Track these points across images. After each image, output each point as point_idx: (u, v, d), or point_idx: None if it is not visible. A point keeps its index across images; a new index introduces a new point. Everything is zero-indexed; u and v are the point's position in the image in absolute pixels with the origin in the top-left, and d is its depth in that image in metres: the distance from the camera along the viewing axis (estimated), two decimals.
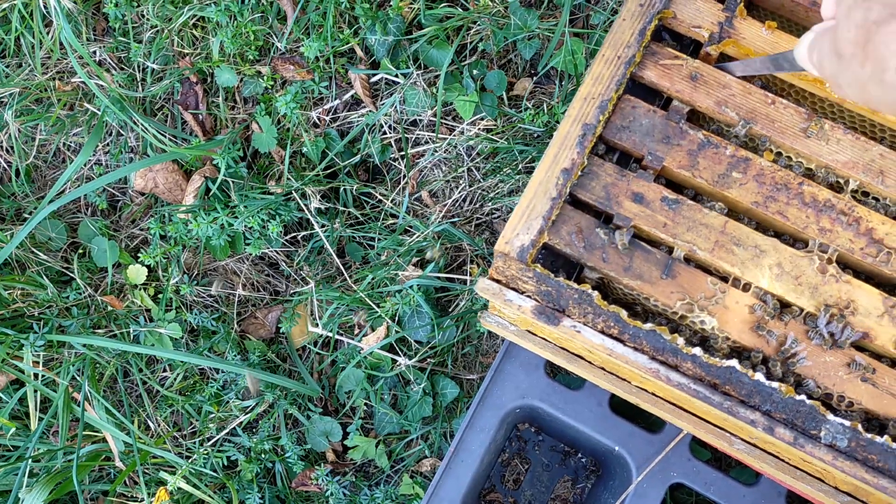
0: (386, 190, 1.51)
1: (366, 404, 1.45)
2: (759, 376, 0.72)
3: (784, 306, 0.77)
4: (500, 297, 0.76)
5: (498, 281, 0.77)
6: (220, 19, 1.45)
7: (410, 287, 1.40)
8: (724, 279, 0.78)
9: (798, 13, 0.82)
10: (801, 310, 0.76)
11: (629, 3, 0.80)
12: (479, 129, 1.47)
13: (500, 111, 1.45)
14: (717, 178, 0.78)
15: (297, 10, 1.44)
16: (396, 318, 1.42)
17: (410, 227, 1.46)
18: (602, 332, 0.75)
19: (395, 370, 1.41)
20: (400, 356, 1.41)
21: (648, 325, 0.74)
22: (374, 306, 1.42)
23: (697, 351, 0.74)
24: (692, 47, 0.84)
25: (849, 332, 0.73)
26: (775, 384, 0.72)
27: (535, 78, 1.48)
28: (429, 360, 1.43)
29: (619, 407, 1.24)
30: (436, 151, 1.49)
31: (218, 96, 1.51)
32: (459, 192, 1.50)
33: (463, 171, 1.49)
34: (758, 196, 0.77)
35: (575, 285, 0.76)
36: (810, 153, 0.78)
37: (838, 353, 0.74)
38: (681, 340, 0.74)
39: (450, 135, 1.49)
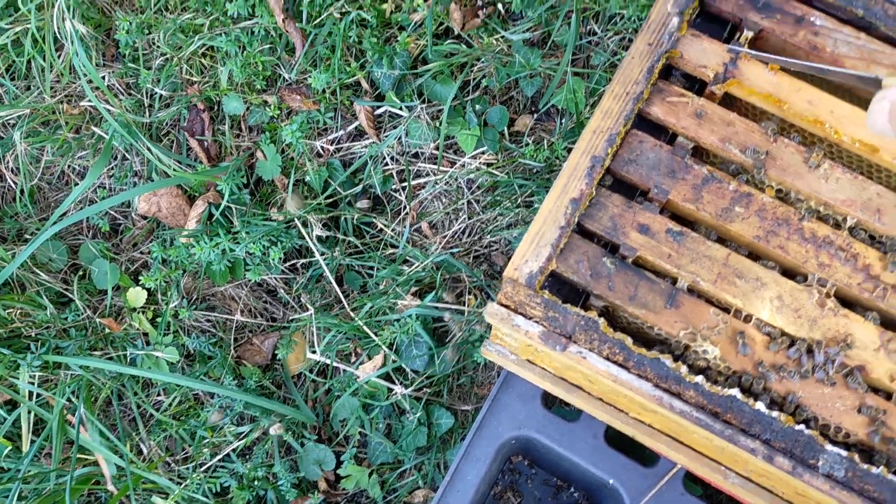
0: (386, 220, 1.53)
1: (360, 433, 1.45)
2: (760, 405, 0.74)
3: (784, 338, 0.79)
4: (507, 322, 0.77)
5: (506, 306, 0.78)
6: (230, 49, 1.48)
7: (409, 316, 1.41)
8: (727, 310, 0.80)
9: (799, 56, 0.86)
10: (802, 341, 0.78)
11: (638, 42, 0.83)
12: (479, 162, 1.50)
13: (500, 146, 1.48)
14: (720, 211, 0.80)
15: (306, 43, 1.47)
16: (393, 347, 1.43)
17: (410, 257, 1.48)
18: (607, 358, 0.76)
19: (391, 399, 1.42)
20: (396, 385, 1.42)
21: (653, 353, 0.76)
22: (371, 335, 1.43)
23: (700, 379, 0.75)
24: (698, 86, 0.87)
25: (840, 364, 0.75)
26: (775, 413, 0.74)
27: (536, 115, 1.51)
28: (424, 389, 1.44)
29: (614, 440, 1.25)
30: (437, 183, 1.51)
31: (224, 124, 1.53)
32: (459, 224, 1.53)
33: (463, 204, 1.52)
34: (759, 230, 0.80)
35: (582, 312, 0.78)
36: (810, 190, 0.81)
37: (836, 385, 0.76)
38: (684, 368, 0.75)
39: (451, 167, 1.51)
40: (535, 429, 1.24)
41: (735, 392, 0.75)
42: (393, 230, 1.52)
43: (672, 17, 0.83)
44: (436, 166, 1.51)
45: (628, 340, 0.76)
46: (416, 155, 1.53)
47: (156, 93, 1.52)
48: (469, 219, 1.53)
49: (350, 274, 1.52)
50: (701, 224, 0.83)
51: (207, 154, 1.52)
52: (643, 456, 1.30)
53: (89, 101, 1.51)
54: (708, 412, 0.75)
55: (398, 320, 1.43)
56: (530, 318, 0.78)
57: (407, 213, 1.52)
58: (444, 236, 1.52)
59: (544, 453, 1.32)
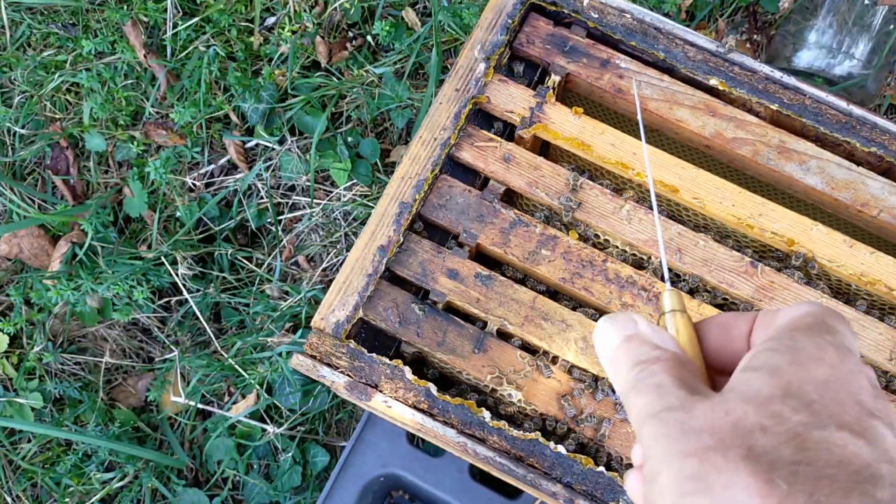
0: (263, 254, 1.51)
1: (236, 474, 1.42)
2: (561, 448, 0.75)
3: (591, 380, 0.80)
4: (313, 372, 0.77)
5: (313, 357, 0.78)
6: (93, 85, 1.45)
7: (279, 354, 1.39)
8: (534, 353, 0.80)
9: (606, 99, 0.87)
10: (605, 381, 0.79)
11: (446, 87, 0.84)
12: (353, 194, 1.49)
13: (373, 178, 1.48)
14: (527, 254, 0.81)
15: (163, 74, 1.44)
16: (264, 385, 1.41)
17: (282, 291, 1.46)
18: (413, 406, 0.76)
19: (265, 439, 1.39)
20: (269, 424, 1.39)
21: (456, 399, 0.76)
22: (243, 373, 1.41)
23: (503, 424, 0.75)
24: (509, 130, 0.88)
25: None
26: (576, 456, 0.74)
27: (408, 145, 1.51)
28: (299, 427, 1.42)
29: (479, 474, 1.25)
30: (312, 216, 1.50)
31: (90, 160, 1.50)
32: (336, 257, 1.52)
33: (340, 236, 1.51)
34: (565, 272, 0.81)
35: (387, 360, 0.77)
36: (614, 231, 0.82)
37: None
38: (487, 414, 0.76)
39: (326, 199, 1.50)
40: (401, 466, 1.24)
41: (537, 435, 0.75)
42: (268, 265, 1.50)
43: (479, 62, 0.84)
44: (310, 199, 1.50)
45: (432, 388, 0.76)
46: (291, 188, 1.52)
47: (17, 131, 1.48)
48: (346, 251, 1.52)
49: (227, 310, 1.49)
50: (510, 267, 0.84)
51: (73, 192, 1.49)
52: (507, 489, 1.31)
53: None
54: (512, 457, 0.75)
55: (270, 358, 1.41)
56: (336, 369, 0.77)
57: (282, 248, 1.51)
58: (322, 269, 1.51)
59: (415, 489, 1.31)
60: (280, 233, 1.50)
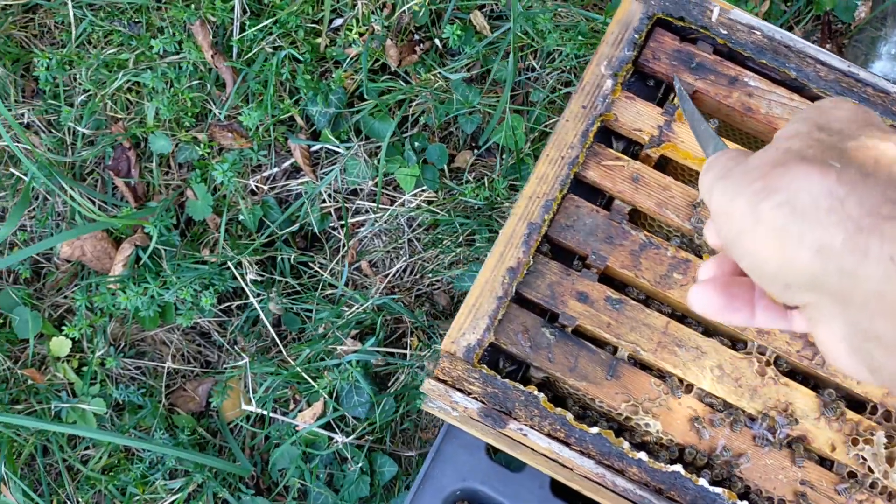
0: (325, 259, 1.48)
1: (300, 483, 1.40)
2: (703, 482, 0.73)
3: (728, 408, 0.78)
4: (445, 398, 0.75)
5: (444, 381, 0.75)
6: (157, 85, 1.42)
7: (349, 362, 1.37)
8: (664, 378, 0.78)
9: (734, 117, 0.85)
10: (743, 411, 0.77)
11: (572, 104, 0.81)
12: (420, 200, 1.47)
13: (440, 184, 1.46)
14: (658, 278, 0.79)
15: (238, 79, 1.42)
16: (334, 394, 1.38)
17: (350, 298, 1.44)
18: (548, 435, 0.74)
19: (332, 448, 1.37)
20: (337, 433, 1.37)
21: (595, 429, 0.74)
22: (310, 381, 1.39)
23: (643, 455, 0.73)
24: (634, 148, 0.86)
25: (785, 435, 0.74)
26: (719, 490, 0.72)
27: (476, 151, 1.49)
28: (367, 437, 1.40)
29: (560, 490, 1.23)
30: (376, 222, 1.48)
31: (151, 162, 1.47)
32: (400, 263, 1.49)
33: (403, 242, 1.49)
34: None
35: (522, 387, 0.75)
36: None
37: (778, 454, 0.75)
38: (626, 444, 0.74)
39: (391, 205, 1.48)
40: (480, 480, 1.22)
41: (678, 468, 0.73)
42: (331, 270, 1.48)
43: (606, 79, 0.81)
44: (375, 204, 1.47)
45: (569, 416, 0.74)
46: (354, 192, 1.49)
47: (78, 131, 1.45)
48: (410, 257, 1.49)
49: (288, 315, 1.47)
50: (641, 291, 0.82)
51: (134, 193, 1.46)
52: None
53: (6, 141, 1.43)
54: (652, 489, 0.73)
55: (338, 366, 1.39)
56: (469, 394, 0.75)
57: (346, 253, 1.48)
58: (385, 275, 1.48)
59: (490, 503, 1.29)
60: (343, 238, 1.48)
